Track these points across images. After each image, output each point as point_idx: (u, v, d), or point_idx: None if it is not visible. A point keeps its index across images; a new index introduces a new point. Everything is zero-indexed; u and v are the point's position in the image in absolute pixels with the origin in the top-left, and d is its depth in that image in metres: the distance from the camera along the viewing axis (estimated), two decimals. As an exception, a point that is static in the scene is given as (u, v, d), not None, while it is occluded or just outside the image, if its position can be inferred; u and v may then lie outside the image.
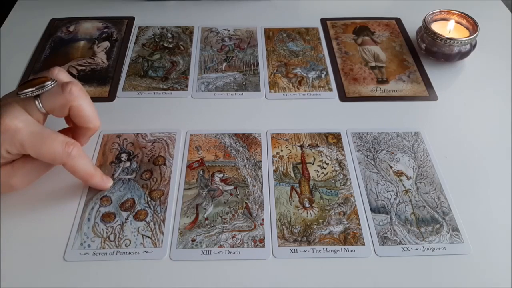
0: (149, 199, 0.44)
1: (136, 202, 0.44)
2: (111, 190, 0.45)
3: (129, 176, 0.46)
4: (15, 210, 0.43)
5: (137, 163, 0.47)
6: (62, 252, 0.40)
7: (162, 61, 0.60)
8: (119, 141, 0.49)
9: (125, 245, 0.40)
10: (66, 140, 0.39)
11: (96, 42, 0.63)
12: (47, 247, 0.41)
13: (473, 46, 0.60)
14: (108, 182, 0.44)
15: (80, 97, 0.41)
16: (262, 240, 0.42)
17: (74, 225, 0.42)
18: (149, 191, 0.45)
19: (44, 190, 0.45)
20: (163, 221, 0.42)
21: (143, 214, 0.43)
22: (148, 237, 0.41)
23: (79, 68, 0.59)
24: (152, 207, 0.43)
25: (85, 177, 0.42)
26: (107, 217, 0.42)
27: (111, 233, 0.41)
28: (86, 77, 0.58)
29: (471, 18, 0.60)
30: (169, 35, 0.65)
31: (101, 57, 0.61)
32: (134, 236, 0.41)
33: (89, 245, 0.40)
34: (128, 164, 0.47)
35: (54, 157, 0.39)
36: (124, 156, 0.48)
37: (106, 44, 0.63)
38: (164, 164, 0.47)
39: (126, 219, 0.42)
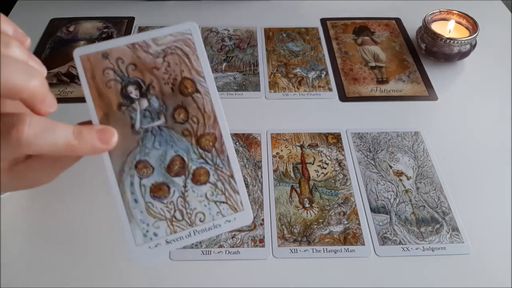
0: (200, 150, 0.31)
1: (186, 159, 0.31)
2: (143, 150, 0.30)
3: (158, 123, 0.31)
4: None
5: (157, 97, 0.30)
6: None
7: (162, 61, 0.60)
8: (110, 64, 0.30)
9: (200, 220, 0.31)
10: (4, 124, 0.25)
11: (96, 42, 0.63)
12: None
13: (473, 46, 0.60)
14: (108, 136, 0.29)
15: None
16: (262, 240, 0.42)
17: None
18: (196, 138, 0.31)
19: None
20: (232, 176, 0.31)
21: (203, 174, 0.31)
22: (223, 202, 0.31)
23: (79, 68, 0.59)
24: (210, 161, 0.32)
25: (67, 153, 0.28)
26: (158, 191, 0.31)
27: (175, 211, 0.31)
28: (86, 77, 0.58)
29: (471, 18, 0.60)
30: (169, 35, 0.65)
31: (101, 57, 0.61)
32: (206, 206, 0.31)
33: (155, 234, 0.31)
34: (145, 102, 0.30)
35: (8, 163, 0.28)
36: (133, 90, 0.30)
37: (106, 44, 0.63)
38: (197, 90, 0.31)
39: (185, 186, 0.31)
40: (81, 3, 0.70)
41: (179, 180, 0.31)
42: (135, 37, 0.30)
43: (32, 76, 0.26)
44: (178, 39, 0.31)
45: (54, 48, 0.62)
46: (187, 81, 0.31)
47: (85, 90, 0.29)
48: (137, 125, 0.30)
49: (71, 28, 0.65)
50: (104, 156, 0.29)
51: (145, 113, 0.30)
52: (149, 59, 0.30)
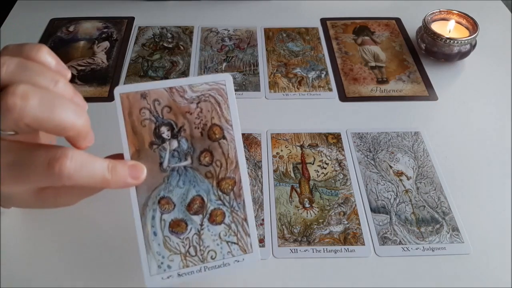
0: (219, 192, 0.33)
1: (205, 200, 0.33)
2: (167, 187, 0.32)
3: (184, 163, 0.32)
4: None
5: (186, 140, 0.32)
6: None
7: (162, 61, 0.60)
8: (148, 104, 0.32)
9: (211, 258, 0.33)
10: (48, 157, 0.27)
11: (96, 42, 0.63)
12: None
13: (473, 46, 0.60)
14: (138, 172, 0.31)
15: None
16: (262, 240, 0.42)
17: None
18: (217, 181, 0.33)
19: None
20: (245, 219, 0.33)
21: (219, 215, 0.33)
22: (234, 243, 0.33)
23: (79, 68, 0.59)
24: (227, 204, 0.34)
25: (100, 186, 0.30)
26: (177, 227, 0.33)
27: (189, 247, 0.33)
28: (86, 77, 0.58)
29: (471, 18, 0.60)
30: (169, 35, 0.65)
31: (101, 57, 0.61)
32: (218, 245, 0.33)
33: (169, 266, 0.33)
34: (175, 143, 0.32)
35: (39, 187, 0.29)
36: (165, 131, 0.32)
37: (106, 44, 0.63)
38: (224, 137, 0.33)
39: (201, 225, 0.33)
40: (81, 3, 0.70)
41: (197, 219, 0.33)
42: (173, 82, 0.32)
43: (80, 116, 0.28)
44: (212, 88, 0.33)
45: (54, 48, 0.62)
46: (216, 127, 0.33)
47: (121, 126, 0.31)
48: (165, 164, 0.32)
49: (71, 28, 0.65)
50: (131, 189, 0.31)
51: (174, 153, 0.32)
52: (183, 104, 0.32)
